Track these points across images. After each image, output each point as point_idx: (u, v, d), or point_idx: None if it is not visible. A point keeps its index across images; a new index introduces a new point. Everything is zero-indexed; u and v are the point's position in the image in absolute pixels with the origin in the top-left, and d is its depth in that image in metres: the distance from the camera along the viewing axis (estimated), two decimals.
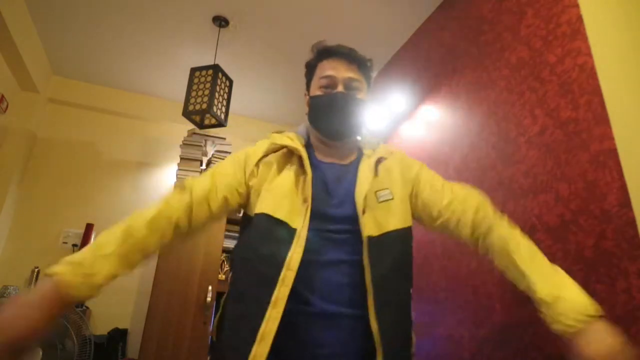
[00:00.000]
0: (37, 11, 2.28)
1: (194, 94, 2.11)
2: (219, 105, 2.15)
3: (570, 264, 1.15)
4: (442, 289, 1.70)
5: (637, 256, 0.98)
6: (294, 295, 0.76)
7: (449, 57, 1.95)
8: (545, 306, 0.73)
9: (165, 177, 3.09)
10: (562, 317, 0.70)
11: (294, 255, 0.78)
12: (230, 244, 2.48)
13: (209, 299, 2.23)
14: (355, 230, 0.84)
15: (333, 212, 0.86)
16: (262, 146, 0.96)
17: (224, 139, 2.67)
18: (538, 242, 1.26)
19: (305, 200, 0.84)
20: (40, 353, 1.94)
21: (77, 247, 2.66)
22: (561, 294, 0.71)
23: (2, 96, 2.44)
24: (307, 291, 0.78)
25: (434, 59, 2.08)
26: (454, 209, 0.91)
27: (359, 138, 1.05)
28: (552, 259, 1.20)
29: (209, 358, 2.13)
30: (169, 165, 3.08)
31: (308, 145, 0.99)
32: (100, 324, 2.56)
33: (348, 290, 0.80)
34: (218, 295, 2.27)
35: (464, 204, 0.92)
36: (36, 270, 2.50)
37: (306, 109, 1.00)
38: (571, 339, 0.69)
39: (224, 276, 2.53)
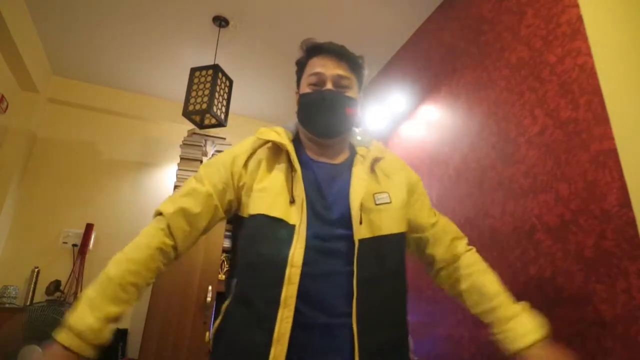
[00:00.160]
0: (37, 11, 2.28)
1: (194, 94, 2.10)
2: (219, 105, 2.15)
3: (570, 264, 1.15)
4: (442, 289, 1.70)
5: (637, 256, 0.98)
6: (295, 308, 0.75)
7: (449, 57, 1.95)
8: (504, 326, 0.85)
9: (165, 177, 3.09)
10: (519, 337, 0.82)
11: (296, 251, 0.76)
12: (231, 244, 2.48)
13: (209, 299, 2.23)
14: (350, 235, 0.81)
15: (326, 214, 0.84)
16: (248, 143, 0.94)
17: (224, 139, 2.67)
18: (538, 242, 1.27)
19: (298, 197, 0.83)
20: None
21: (77, 247, 2.66)
22: (521, 317, 0.84)
23: (2, 96, 2.44)
24: (304, 305, 0.76)
25: (434, 59, 2.08)
26: (436, 230, 0.98)
27: (353, 136, 1.03)
28: (552, 259, 1.21)
29: None
30: (169, 165, 3.08)
31: (297, 142, 0.97)
32: None
33: (338, 300, 0.77)
34: (218, 295, 2.27)
35: (446, 228, 1.00)
36: (36, 270, 2.50)
37: (296, 107, 0.98)
38: (524, 356, 0.81)
39: (224, 276, 2.53)
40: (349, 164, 0.94)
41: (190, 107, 2.09)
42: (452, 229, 1.01)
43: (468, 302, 0.93)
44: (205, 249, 2.32)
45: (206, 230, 0.90)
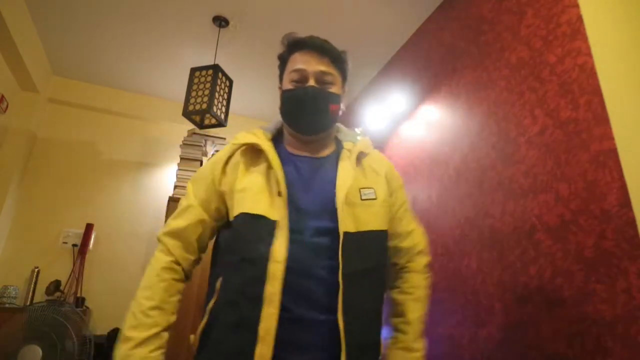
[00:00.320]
0: (37, 11, 2.28)
1: (194, 94, 2.10)
2: (219, 105, 2.15)
3: (570, 264, 1.15)
4: (442, 289, 1.70)
5: (637, 256, 0.98)
6: (280, 304, 0.74)
7: (449, 57, 1.95)
8: (397, 349, 0.92)
9: (165, 177, 3.09)
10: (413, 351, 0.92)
11: (279, 247, 0.76)
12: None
13: None
14: (334, 228, 0.81)
15: (309, 208, 0.84)
16: (226, 149, 0.96)
17: (224, 139, 2.67)
18: (538, 242, 1.27)
19: (279, 194, 0.82)
20: (40, 353, 1.94)
21: (77, 247, 2.66)
22: (410, 355, 0.93)
23: (2, 96, 2.44)
24: (291, 301, 0.76)
25: (434, 59, 2.08)
26: (412, 238, 1.00)
27: (339, 131, 1.03)
28: (552, 259, 1.21)
29: None
30: (169, 165, 3.08)
31: (278, 139, 0.98)
32: (100, 324, 2.56)
33: (322, 295, 0.77)
34: None
35: (419, 240, 1.03)
36: (36, 270, 2.50)
37: (279, 102, 0.97)
38: None
39: None
40: (334, 158, 0.94)
41: (190, 107, 2.09)
42: (423, 242, 1.03)
43: (391, 309, 0.98)
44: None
45: (202, 240, 0.92)
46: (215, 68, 2.11)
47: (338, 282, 0.76)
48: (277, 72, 1.03)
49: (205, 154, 2.57)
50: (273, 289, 0.73)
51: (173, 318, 0.85)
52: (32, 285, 2.46)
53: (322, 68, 0.90)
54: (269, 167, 0.87)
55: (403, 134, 2.28)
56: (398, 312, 0.95)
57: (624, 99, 1.11)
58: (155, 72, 2.88)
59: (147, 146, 3.13)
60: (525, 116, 1.41)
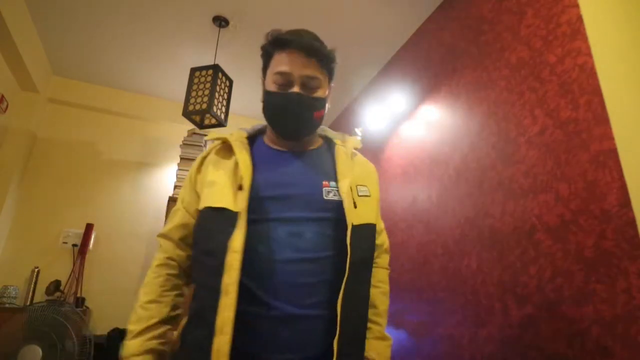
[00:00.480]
0: (37, 11, 2.28)
1: (194, 94, 2.10)
2: (219, 105, 2.15)
3: (570, 264, 1.15)
4: (442, 289, 1.70)
5: (637, 256, 0.98)
6: (254, 298, 0.74)
7: (449, 57, 1.95)
8: (379, 329, 0.94)
9: (165, 177, 3.09)
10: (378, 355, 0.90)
11: (237, 237, 0.75)
12: None
13: None
14: (321, 219, 0.81)
15: (289, 198, 0.83)
16: (206, 150, 0.98)
17: None
18: (538, 242, 1.27)
19: (240, 187, 0.81)
20: (40, 353, 1.94)
21: (77, 247, 2.66)
22: (378, 343, 0.93)
23: (2, 96, 2.44)
24: (267, 294, 0.74)
25: (434, 59, 2.08)
26: (383, 236, 1.04)
27: (324, 129, 1.04)
28: (552, 259, 1.21)
29: None
30: (169, 165, 3.08)
31: (259, 136, 0.99)
32: (100, 324, 2.57)
33: (312, 290, 0.76)
34: None
35: (385, 237, 1.06)
36: (36, 270, 2.50)
37: (262, 99, 0.95)
38: None
39: None
40: (323, 151, 0.96)
41: (190, 107, 2.09)
42: (387, 242, 1.06)
43: None
44: None
45: (189, 240, 0.92)
46: (215, 68, 2.11)
47: (324, 284, 0.77)
48: None
49: None
50: (230, 279, 0.72)
51: (172, 312, 0.86)
52: (32, 285, 2.46)
53: (308, 72, 0.86)
54: (237, 162, 0.87)
55: (403, 134, 2.28)
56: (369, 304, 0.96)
57: (624, 99, 1.11)
58: (155, 72, 2.88)
59: (147, 146, 3.13)
60: (525, 116, 1.41)
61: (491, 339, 1.39)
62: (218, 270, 0.74)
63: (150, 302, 0.85)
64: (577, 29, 1.25)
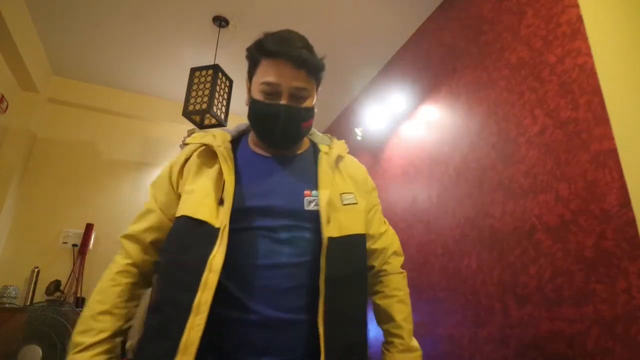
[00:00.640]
0: (37, 11, 2.28)
1: (194, 94, 2.10)
2: (219, 105, 2.15)
3: (570, 264, 1.15)
4: (442, 289, 1.70)
5: (637, 256, 0.98)
6: (233, 302, 0.72)
7: (449, 57, 1.95)
8: (401, 342, 0.90)
9: None
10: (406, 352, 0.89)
11: (217, 255, 0.72)
12: None
13: None
14: (302, 227, 0.79)
15: (272, 209, 0.80)
16: (185, 151, 0.92)
17: None
18: (538, 242, 1.27)
19: (227, 199, 0.78)
20: (40, 353, 1.94)
21: (77, 247, 2.66)
22: (409, 355, 0.90)
23: (2, 96, 2.44)
24: (247, 298, 0.73)
25: (434, 59, 2.08)
26: (383, 240, 0.98)
27: (309, 133, 1.00)
28: (552, 259, 1.21)
29: None
30: None
31: (242, 139, 0.95)
32: None
33: (293, 295, 0.75)
34: None
35: (391, 240, 1.00)
36: (36, 270, 2.50)
37: (247, 102, 0.92)
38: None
39: None
40: (308, 157, 0.93)
41: (190, 107, 2.09)
42: (396, 243, 1.01)
43: (378, 315, 0.96)
44: None
45: (160, 243, 0.87)
46: (215, 68, 2.11)
47: (306, 289, 0.75)
48: None
49: None
50: (203, 298, 0.69)
51: (126, 325, 0.82)
52: (32, 285, 2.46)
53: (297, 84, 0.83)
54: (221, 171, 0.83)
55: (403, 134, 2.28)
56: (386, 317, 0.93)
57: (624, 99, 1.11)
58: (155, 72, 2.88)
59: (147, 146, 3.13)
60: (525, 116, 1.41)
61: (491, 339, 1.39)
62: (191, 288, 0.70)
63: (104, 312, 0.78)
64: (577, 29, 1.25)
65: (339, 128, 3.17)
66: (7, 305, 2.29)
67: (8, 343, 1.95)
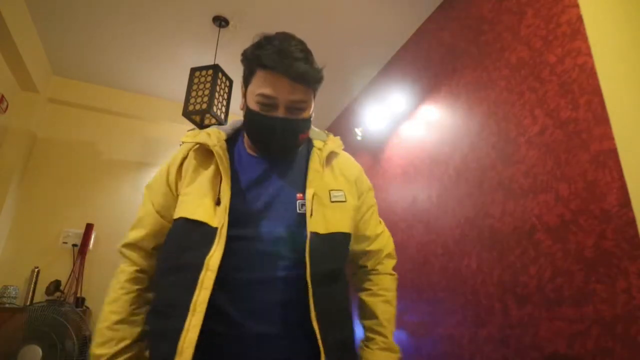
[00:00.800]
0: (37, 11, 2.28)
1: (194, 94, 2.10)
2: (219, 105, 2.15)
3: (570, 264, 1.15)
4: (442, 289, 1.70)
5: (637, 256, 0.98)
6: (225, 318, 0.71)
7: (449, 57, 1.95)
8: (371, 350, 0.89)
9: None
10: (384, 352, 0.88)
11: (215, 254, 0.72)
12: None
13: None
14: (294, 230, 0.78)
15: (267, 211, 0.80)
16: (181, 150, 0.91)
17: None
18: (538, 242, 1.27)
19: (224, 198, 0.78)
20: (40, 353, 1.94)
21: (77, 247, 2.66)
22: (385, 355, 0.89)
23: (2, 96, 2.44)
24: (240, 314, 0.72)
25: (434, 59, 2.08)
26: (380, 241, 0.98)
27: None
28: (552, 259, 1.21)
29: None
30: None
31: (236, 139, 0.93)
32: None
33: (285, 310, 0.74)
34: None
35: (386, 242, 1.00)
36: (36, 270, 2.50)
37: (242, 106, 0.91)
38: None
39: None
40: (302, 156, 0.91)
41: (190, 107, 2.09)
42: (390, 245, 1.01)
43: (361, 311, 0.95)
44: None
45: (160, 246, 0.87)
46: (215, 68, 2.11)
47: (297, 304, 0.73)
48: None
49: None
50: (200, 298, 0.69)
51: (144, 328, 0.82)
52: (32, 285, 2.46)
53: (295, 97, 0.81)
54: (217, 171, 0.82)
55: (403, 134, 2.28)
56: (369, 314, 0.93)
57: (624, 99, 1.11)
58: (155, 72, 2.88)
59: (147, 146, 3.13)
60: (525, 116, 1.41)
61: (491, 339, 1.39)
62: (190, 287, 0.70)
63: (120, 322, 0.78)
64: (577, 29, 1.25)
65: (339, 128, 3.17)
66: (7, 305, 2.29)
67: (8, 343, 1.95)
